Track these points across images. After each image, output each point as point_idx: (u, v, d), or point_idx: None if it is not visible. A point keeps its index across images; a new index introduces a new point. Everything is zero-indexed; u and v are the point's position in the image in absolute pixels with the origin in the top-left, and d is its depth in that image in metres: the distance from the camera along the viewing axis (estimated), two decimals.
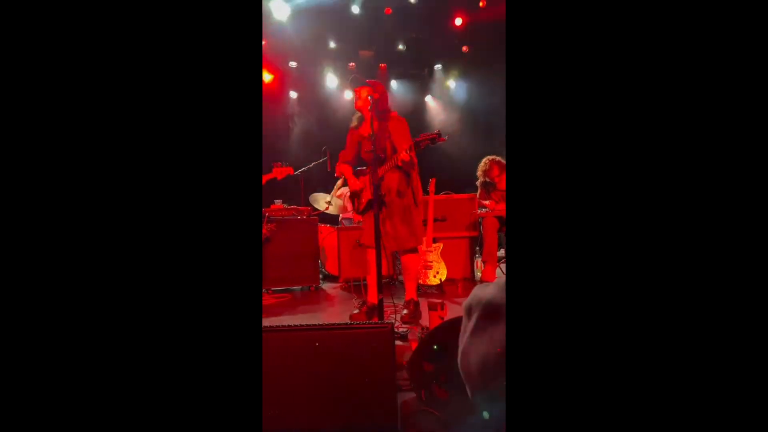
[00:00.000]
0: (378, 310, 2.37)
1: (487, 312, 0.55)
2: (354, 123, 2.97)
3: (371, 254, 2.87)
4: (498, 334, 0.53)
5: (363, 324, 1.42)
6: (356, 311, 2.94)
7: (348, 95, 6.53)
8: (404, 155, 2.56)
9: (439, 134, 2.50)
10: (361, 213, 2.95)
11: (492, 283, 0.58)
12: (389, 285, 3.74)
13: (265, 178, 3.37)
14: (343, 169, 2.98)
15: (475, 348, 0.55)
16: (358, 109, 2.89)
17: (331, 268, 4.59)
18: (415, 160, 2.68)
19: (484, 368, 0.54)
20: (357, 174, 2.95)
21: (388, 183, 2.80)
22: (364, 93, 2.83)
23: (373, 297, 2.94)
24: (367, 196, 2.87)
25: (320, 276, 4.31)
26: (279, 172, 3.32)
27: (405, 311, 2.90)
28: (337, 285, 4.39)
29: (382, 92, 2.85)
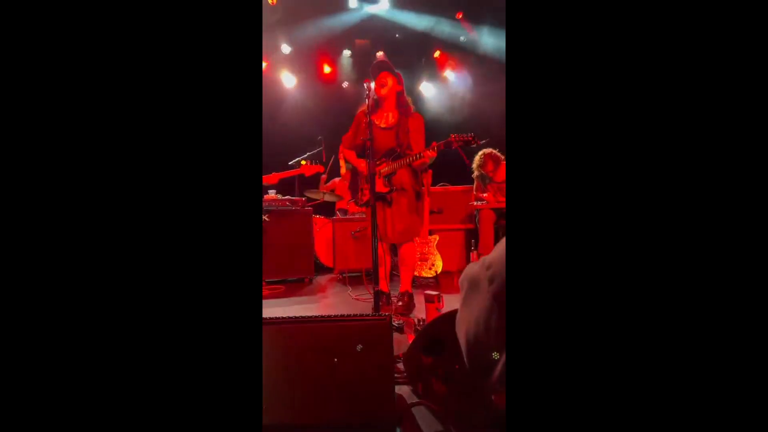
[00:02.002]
0: (374, 302, 2.34)
1: (471, 286, 0.60)
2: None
3: (380, 247, 2.84)
4: (477, 305, 0.59)
5: (360, 316, 1.39)
6: (399, 303, 2.84)
7: (344, 83, 6.47)
8: (432, 153, 2.54)
9: (474, 138, 2.53)
10: (364, 205, 2.87)
11: (477, 262, 0.61)
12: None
13: (291, 173, 3.34)
14: (349, 155, 2.89)
15: (464, 318, 0.61)
16: (383, 96, 2.74)
17: (326, 259, 4.56)
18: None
19: (468, 337, 0.60)
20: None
21: (401, 178, 2.76)
22: (389, 80, 2.74)
23: (385, 286, 2.91)
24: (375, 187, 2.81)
25: (315, 268, 4.28)
26: (307, 169, 3.27)
27: (399, 303, 2.87)
28: (332, 276, 4.37)
29: (402, 83, 2.81)
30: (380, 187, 2.73)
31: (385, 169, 2.70)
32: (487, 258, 0.61)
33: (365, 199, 2.82)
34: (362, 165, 2.81)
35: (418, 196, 2.83)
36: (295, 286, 3.94)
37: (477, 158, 4.19)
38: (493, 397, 0.63)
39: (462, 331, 0.63)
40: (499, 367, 0.59)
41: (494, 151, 4.14)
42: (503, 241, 0.61)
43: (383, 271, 2.91)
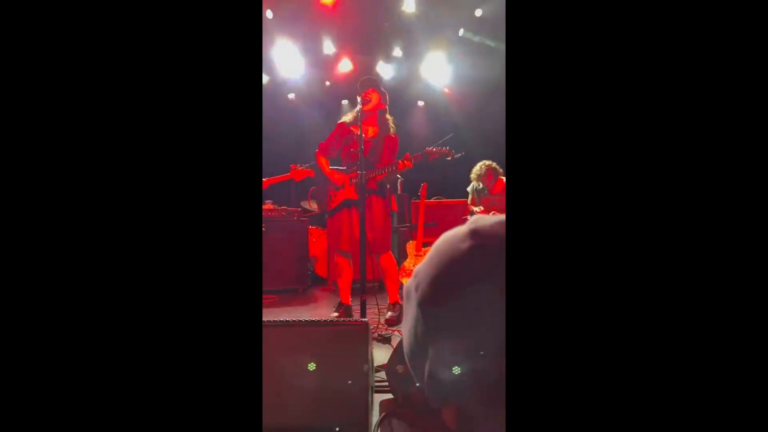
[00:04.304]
0: (361, 310, 2.34)
1: (406, 299, 0.60)
2: (348, 119, 2.94)
3: (339, 258, 2.88)
4: (409, 317, 0.59)
5: (338, 321, 1.39)
6: (335, 314, 2.91)
7: (344, 101, 6.54)
8: (408, 164, 2.70)
9: (450, 152, 2.72)
10: (331, 213, 2.92)
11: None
12: (377, 288, 3.70)
13: (280, 179, 3.36)
14: (323, 163, 2.96)
15: (403, 332, 0.61)
16: (368, 111, 2.84)
17: (321, 270, 4.56)
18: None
19: (407, 350, 0.60)
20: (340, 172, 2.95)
21: (370, 187, 2.83)
22: (374, 96, 2.84)
23: (346, 298, 2.94)
24: (343, 195, 2.85)
25: (308, 278, 4.28)
26: (297, 174, 3.30)
27: (390, 313, 2.87)
28: (326, 288, 4.36)
29: (387, 102, 2.93)
30: (352, 194, 2.81)
31: (356, 178, 2.79)
32: (417, 266, 0.62)
33: (333, 206, 2.90)
34: (334, 176, 2.91)
35: (388, 205, 2.95)
36: (288, 297, 3.94)
37: (477, 168, 4.19)
38: (443, 416, 0.61)
39: (404, 344, 0.63)
40: (425, 377, 0.58)
41: (494, 163, 4.16)
42: (433, 246, 0.61)
43: (345, 283, 2.92)
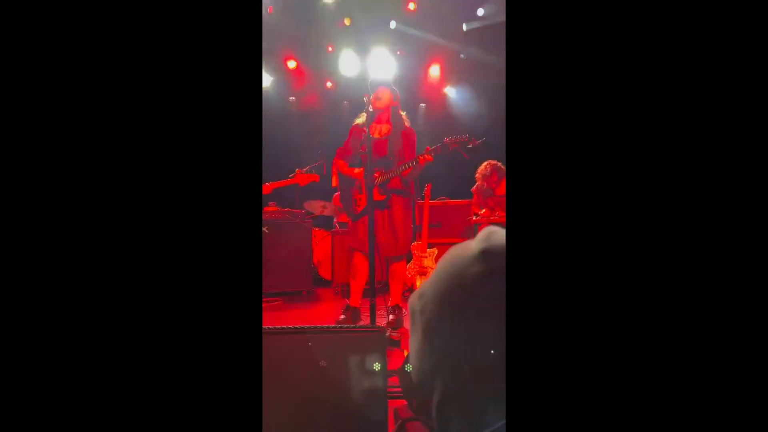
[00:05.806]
0: (371, 315, 2.32)
1: (411, 318, 0.57)
2: (361, 120, 2.90)
3: (358, 258, 2.85)
4: (413, 340, 0.56)
5: (354, 327, 1.37)
6: (342, 317, 2.89)
7: (345, 102, 6.52)
8: (429, 157, 2.59)
9: (470, 138, 2.55)
10: (358, 216, 2.87)
11: (417, 290, 0.59)
12: (384, 290, 3.68)
13: (284, 183, 3.33)
14: (341, 165, 2.93)
15: (411, 350, 0.59)
16: (378, 109, 2.81)
17: (325, 272, 4.54)
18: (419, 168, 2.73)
19: (414, 372, 0.57)
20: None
21: (394, 186, 2.80)
22: (385, 94, 2.80)
23: (355, 301, 2.91)
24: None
25: (312, 281, 4.26)
26: (302, 179, 3.25)
27: (391, 316, 2.86)
28: (330, 290, 4.34)
29: (399, 100, 2.90)
30: (376, 195, 2.74)
31: (379, 178, 2.73)
32: (423, 285, 0.57)
33: (360, 209, 2.83)
34: (354, 171, 2.86)
35: (409, 206, 2.92)
36: (292, 300, 3.92)
37: (482, 167, 4.16)
38: None
39: (412, 364, 0.60)
40: (433, 411, 0.55)
41: (500, 163, 4.13)
42: (440, 263, 0.57)
43: (359, 285, 2.90)
